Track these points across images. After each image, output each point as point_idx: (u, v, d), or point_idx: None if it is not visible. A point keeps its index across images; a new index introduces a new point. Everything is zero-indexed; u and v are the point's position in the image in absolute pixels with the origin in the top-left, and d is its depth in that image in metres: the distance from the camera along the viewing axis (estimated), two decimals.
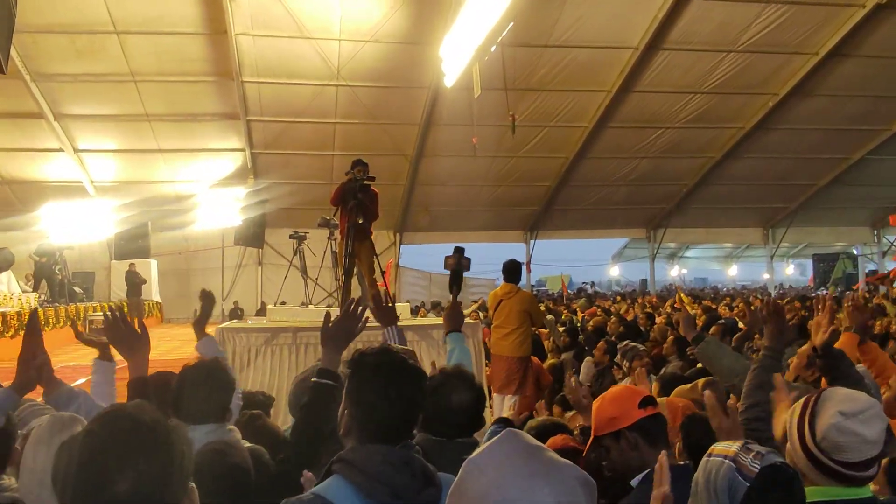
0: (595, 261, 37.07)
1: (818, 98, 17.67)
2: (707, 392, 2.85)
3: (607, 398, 3.09)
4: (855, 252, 30.79)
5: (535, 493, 1.48)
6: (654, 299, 20.26)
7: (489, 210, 22.31)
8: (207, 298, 4.17)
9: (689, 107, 17.72)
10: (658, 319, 13.48)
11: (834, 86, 17.17)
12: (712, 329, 9.92)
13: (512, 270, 9.04)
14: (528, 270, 24.68)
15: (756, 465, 2.19)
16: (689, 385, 4.10)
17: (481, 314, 12.12)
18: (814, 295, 25.06)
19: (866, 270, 28.21)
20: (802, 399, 2.49)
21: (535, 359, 9.27)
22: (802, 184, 22.85)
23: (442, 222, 22.45)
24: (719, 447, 2.30)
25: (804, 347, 4.39)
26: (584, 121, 18.04)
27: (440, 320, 9.03)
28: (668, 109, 17.80)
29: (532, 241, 24.31)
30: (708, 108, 17.81)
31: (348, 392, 2.32)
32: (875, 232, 27.16)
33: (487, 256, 18.88)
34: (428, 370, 2.79)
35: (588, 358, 8.74)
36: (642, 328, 11.15)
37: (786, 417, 2.47)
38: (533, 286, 26.50)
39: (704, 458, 2.33)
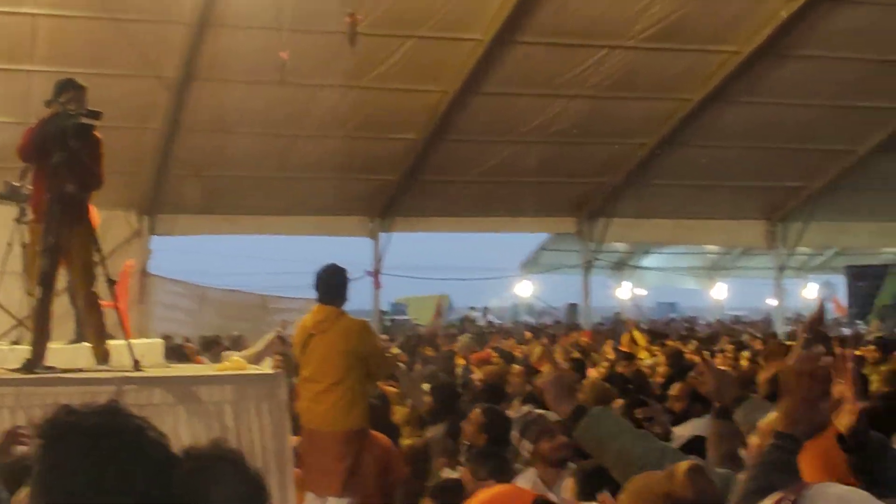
0: (493, 271, 37.41)
1: (863, 7, 18.55)
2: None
3: (485, 501, 3.13)
4: None
5: None
6: (588, 337, 20.73)
7: (310, 179, 22.39)
8: None
9: (652, 13, 18.18)
10: (593, 372, 13.88)
11: None
12: (675, 389, 10.30)
13: (331, 283, 9.19)
14: (377, 285, 24.73)
15: None
16: (659, 473, 4.22)
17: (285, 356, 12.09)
18: (844, 333, 26.44)
19: None
20: (770, 500, 2.60)
21: (377, 435, 9.36)
22: (834, 149, 24.03)
23: (225, 199, 22.32)
24: None
25: (768, 420, 4.58)
26: (475, 30, 18.25)
27: (221, 367, 8.92)
28: (618, 18, 18.23)
29: (385, 235, 24.46)
30: (683, 18, 18.34)
31: (37, 478, 2.31)
32: None
33: (304, 260, 18.66)
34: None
35: None
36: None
37: None
38: (384, 312, 26.46)
39: None
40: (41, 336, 7.87)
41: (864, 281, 31.69)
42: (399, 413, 11.22)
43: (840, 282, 36.99)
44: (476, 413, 8.32)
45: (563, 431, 6.76)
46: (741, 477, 3.52)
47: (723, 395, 5.72)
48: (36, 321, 7.97)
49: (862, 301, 31.22)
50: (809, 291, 39.66)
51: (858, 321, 30.77)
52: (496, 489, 3.39)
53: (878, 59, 20.24)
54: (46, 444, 2.32)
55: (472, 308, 38.27)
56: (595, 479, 4.92)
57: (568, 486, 5.85)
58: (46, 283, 7.94)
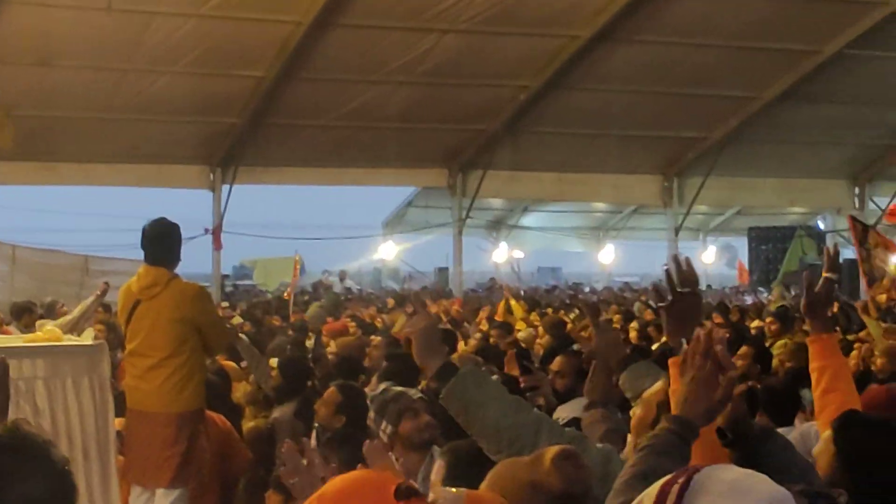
0: (352, 230, 37.27)
1: None
2: None
3: (339, 492, 3.23)
4: (819, 226, 33.41)
5: None
6: (458, 305, 20.90)
7: (141, 122, 22.07)
8: None
9: None
10: (464, 345, 13.97)
11: None
12: (557, 364, 10.45)
13: (162, 242, 9.07)
14: (217, 244, 24.57)
15: None
16: (525, 459, 4.25)
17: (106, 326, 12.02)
18: (748, 302, 26.95)
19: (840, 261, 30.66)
20: (655, 489, 2.69)
21: (215, 417, 9.35)
22: (736, 96, 24.46)
23: (41, 143, 21.86)
24: None
25: (654, 389, 4.77)
26: None
27: (32, 338, 8.73)
28: None
29: (226, 188, 24.30)
30: None
31: None
32: (857, 190, 29.57)
33: (133, 214, 18.39)
34: None
35: None
36: None
37: None
38: (225, 276, 26.16)
39: None
40: None
41: (769, 244, 32.19)
42: (241, 391, 11.17)
43: (742, 245, 37.44)
44: (331, 392, 8.31)
45: (428, 410, 6.79)
46: (628, 459, 3.56)
47: (608, 356, 5.87)
48: None
49: (765, 266, 31.77)
50: (708, 255, 40.30)
51: (761, 288, 31.32)
52: (352, 476, 3.40)
53: None
54: None
55: (327, 272, 37.91)
56: (469, 463, 4.85)
57: (437, 469, 5.78)
58: None
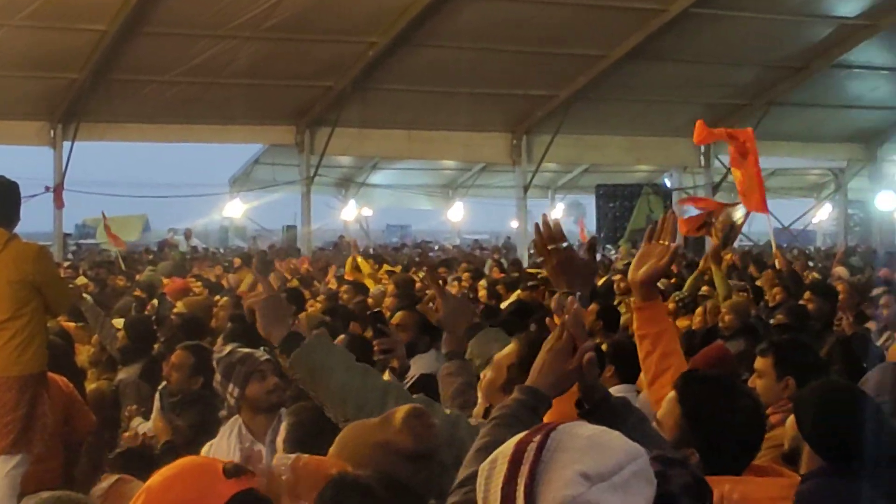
0: (198, 188, 36.98)
1: None
2: None
3: (157, 488, 3.14)
4: (665, 183, 34.00)
5: None
6: (307, 263, 20.85)
7: None
8: None
9: None
10: (312, 305, 13.92)
11: None
12: (398, 318, 10.44)
13: None
14: (59, 203, 24.10)
15: None
16: (374, 421, 4.21)
17: None
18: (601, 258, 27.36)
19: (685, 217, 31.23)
20: (510, 447, 2.66)
21: (58, 379, 9.20)
22: (585, 54, 24.66)
23: None
24: None
25: (505, 352, 4.75)
26: None
27: None
28: None
29: (68, 144, 23.84)
30: None
31: None
32: (702, 149, 29.94)
33: None
34: None
35: None
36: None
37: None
38: (68, 235, 25.78)
39: None
40: None
41: (616, 202, 32.74)
42: (84, 353, 11.00)
43: (590, 202, 38.00)
44: (182, 354, 8.23)
45: (275, 372, 6.77)
46: (478, 418, 3.56)
47: (456, 324, 5.82)
48: None
49: (613, 224, 32.30)
50: (556, 212, 40.81)
51: (609, 246, 31.85)
52: (177, 463, 3.34)
53: None
54: None
55: (173, 230, 37.59)
56: (314, 425, 4.94)
57: (280, 440, 5.81)
58: None
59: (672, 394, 3.93)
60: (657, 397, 4.49)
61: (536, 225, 4.34)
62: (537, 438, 2.61)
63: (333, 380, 4.62)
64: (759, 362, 6.17)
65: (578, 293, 4.02)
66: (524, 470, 2.55)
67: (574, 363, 3.54)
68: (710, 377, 4.06)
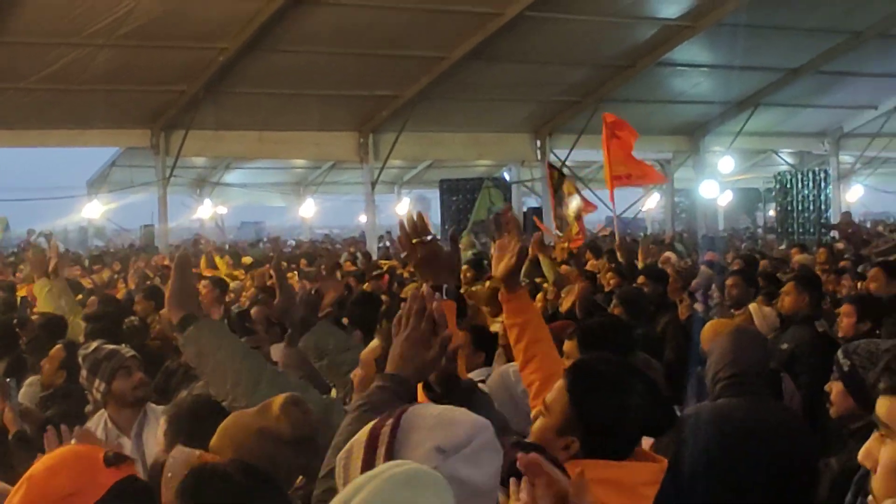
0: (58, 190, 36.38)
1: None
2: None
3: (39, 477, 3.13)
4: (505, 177, 34.28)
5: None
6: (166, 261, 20.63)
7: None
8: None
9: None
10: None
11: None
12: (254, 312, 10.45)
13: None
14: None
15: None
16: (254, 409, 4.24)
17: None
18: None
19: (524, 209, 31.48)
20: (364, 434, 2.74)
21: None
22: (426, 56, 24.73)
23: None
24: None
25: (370, 348, 4.80)
26: None
27: None
28: None
29: None
30: None
31: None
32: (538, 143, 30.45)
33: None
34: None
35: None
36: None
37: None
38: None
39: None
40: None
41: (459, 195, 32.78)
42: None
43: (434, 196, 38.09)
44: (57, 349, 8.27)
45: (140, 368, 6.73)
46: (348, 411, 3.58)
47: (292, 317, 5.88)
48: None
49: (456, 216, 32.36)
50: (402, 207, 40.90)
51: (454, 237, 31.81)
52: (58, 452, 3.31)
53: None
54: None
55: (32, 231, 36.73)
56: (191, 418, 4.83)
57: (161, 426, 5.76)
58: None
59: (561, 381, 3.90)
60: (528, 381, 4.57)
61: (401, 221, 4.38)
62: (390, 422, 2.67)
63: (216, 358, 4.65)
64: (567, 345, 6.26)
65: (445, 285, 4.11)
66: (381, 452, 2.61)
67: (434, 352, 3.54)
68: (601, 370, 4.02)
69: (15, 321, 11.50)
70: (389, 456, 2.60)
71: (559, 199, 20.29)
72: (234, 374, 4.56)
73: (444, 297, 3.97)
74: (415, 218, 4.42)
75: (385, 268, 16.29)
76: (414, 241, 4.31)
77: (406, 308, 3.60)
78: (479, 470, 2.56)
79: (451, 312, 3.95)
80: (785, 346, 8.39)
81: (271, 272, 17.45)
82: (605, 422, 3.74)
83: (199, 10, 20.73)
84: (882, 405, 2.42)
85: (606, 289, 12.66)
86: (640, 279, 12.79)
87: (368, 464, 2.61)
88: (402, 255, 4.36)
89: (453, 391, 3.69)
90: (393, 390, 3.45)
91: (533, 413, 4.16)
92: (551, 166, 22.55)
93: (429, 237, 4.35)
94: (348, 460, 2.69)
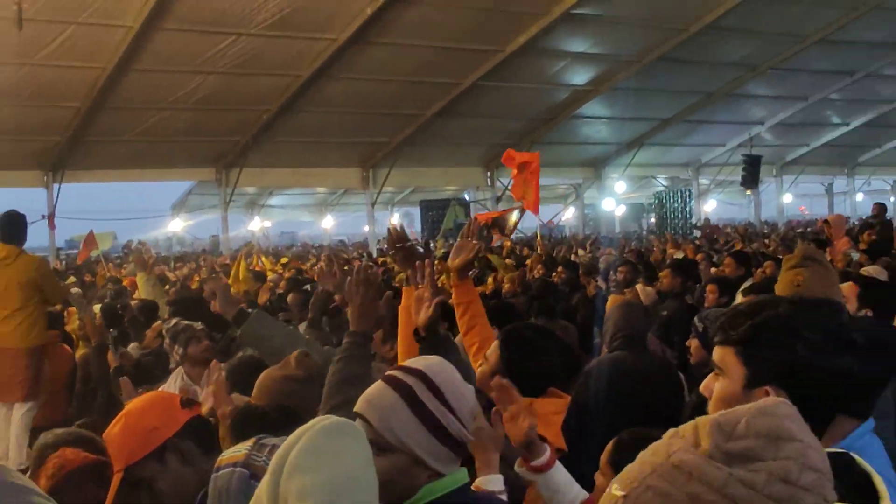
0: (151, 212, 36.32)
1: (427, 6, 19.18)
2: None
3: (134, 412, 3.10)
4: (466, 197, 34.29)
5: None
6: (227, 260, 20.54)
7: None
8: None
9: (270, 6, 18.05)
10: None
11: None
12: (290, 299, 10.38)
13: (10, 226, 8.61)
14: (52, 226, 23.36)
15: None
16: (277, 365, 4.27)
17: None
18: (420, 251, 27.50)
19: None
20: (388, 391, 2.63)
21: (65, 348, 9.00)
22: (408, 113, 24.78)
23: None
24: (226, 455, 2.37)
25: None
26: (126, 18, 17.39)
27: None
28: (243, 10, 17.95)
29: (57, 186, 22.99)
30: (294, 11, 18.33)
31: None
32: (488, 174, 30.45)
33: None
34: None
35: None
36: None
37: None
38: (60, 249, 25.08)
39: (214, 474, 2.37)
40: None
41: (433, 211, 32.69)
42: (72, 325, 10.76)
43: (416, 212, 38.05)
44: (158, 324, 8.39)
45: (207, 337, 6.74)
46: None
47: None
48: None
49: (432, 227, 32.32)
50: (395, 219, 40.87)
51: (431, 241, 31.92)
52: (146, 396, 3.30)
53: (438, 47, 20.93)
54: None
55: (132, 241, 36.62)
56: (240, 375, 4.82)
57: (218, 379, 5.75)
58: None
59: (496, 342, 3.99)
60: (469, 343, 4.55)
61: (388, 230, 4.47)
62: (411, 379, 2.51)
63: (273, 342, 4.62)
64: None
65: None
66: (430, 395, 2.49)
67: (381, 310, 3.76)
68: (525, 334, 4.08)
69: (119, 305, 11.46)
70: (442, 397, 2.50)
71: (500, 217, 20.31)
72: (282, 351, 4.43)
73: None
74: (398, 229, 4.46)
75: (380, 262, 16.19)
76: (397, 245, 4.34)
77: (352, 281, 3.58)
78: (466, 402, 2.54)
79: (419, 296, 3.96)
80: (664, 313, 8.41)
81: (302, 266, 17.42)
82: (525, 368, 3.80)
83: (248, 85, 20.84)
84: (716, 353, 2.42)
85: (535, 277, 12.56)
86: (559, 269, 12.84)
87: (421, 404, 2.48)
88: (390, 254, 4.39)
89: (435, 338, 3.66)
90: (358, 343, 3.47)
91: (476, 365, 4.20)
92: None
93: (407, 243, 4.37)
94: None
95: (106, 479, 3.03)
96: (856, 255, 10.42)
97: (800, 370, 2.27)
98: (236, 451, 2.38)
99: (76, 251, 34.51)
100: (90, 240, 20.27)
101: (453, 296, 4.80)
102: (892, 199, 40.17)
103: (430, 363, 2.54)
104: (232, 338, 8.69)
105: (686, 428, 1.59)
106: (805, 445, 1.55)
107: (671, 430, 1.61)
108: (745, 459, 1.52)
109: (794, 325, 2.28)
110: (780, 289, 4.60)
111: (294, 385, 3.81)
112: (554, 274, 12.54)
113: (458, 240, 4.76)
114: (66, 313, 10.34)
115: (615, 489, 1.58)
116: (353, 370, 3.35)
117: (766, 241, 20.07)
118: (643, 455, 1.61)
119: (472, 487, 2.62)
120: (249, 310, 5.11)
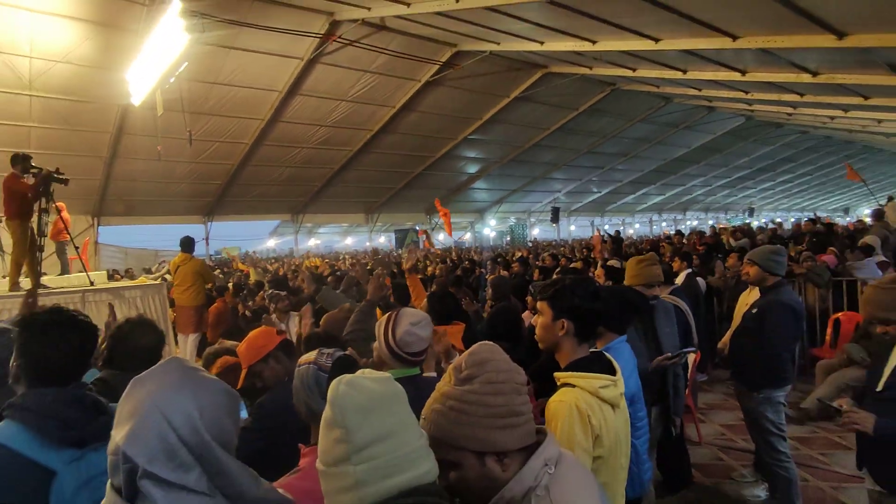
0: (258, 236, 35.44)
1: (397, 136, 18.95)
2: None
3: (250, 338, 2.95)
4: (416, 228, 34.07)
5: (180, 398, 1.43)
6: (297, 262, 20.13)
7: (174, 200, 19.64)
8: None
9: (318, 134, 17.77)
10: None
11: (412, 120, 18.63)
12: (329, 280, 9.93)
13: (186, 244, 8.38)
14: (207, 244, 22.33)
15: (330, 362, 2.12)
16: (334, 311, 4.02)
17: (168, 277, 10.85)
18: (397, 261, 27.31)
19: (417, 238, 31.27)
20: (384, 317, 2.55)
21: (219, 303, 8.64)
22: (389, 187, 24.34)
23: (136, 209, 19.19)
24: (303, 358, 2.21)
25: (424, 304, 4.59)
26: (245, 138, 16.92)
27: (132, 283, 7.85)
28: (303, 134, 17.62)
29: (209, 223, 22.07)
30: (328, 138, 17.98)
31: (20, 346, 1.90)
32: (429, 216, 30.07)
33: (173, 235, 16.80)
34: None
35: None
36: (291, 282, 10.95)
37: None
38: (211, 255, 24.34)
39: (297, 368, 2.17)
40: (36, 273, 6.49)
41: (401, 234, 31.82)
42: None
43: (392, 235, 37.36)
44: (262, 293, 8.09)
45: (286, 299, 6.34)
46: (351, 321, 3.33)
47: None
48: (33, 268, 6.53)
49: (400, 242, 31.79)
50: (382, 239, 40.29)
51: (398, 250, 31.60)
52: (260, 329, 3.20)
53: (403, 154, 20.29)
54: (21, 328, 1.88)
55: (247, 252, 35.46)
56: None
57: (299, 318, 5.35)
58: (34, 251, 6.45)
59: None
60: (415, 297, 4.31)
61: (373, 250, 4.25)
62: (395, 313, 2.46)
63: (332, 299, 4.38)
64: (539, 304, 5.66)
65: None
66: (391, 323, 2.42)
67: (384, 291, 3.58)
68: (451, 299, 3.81)
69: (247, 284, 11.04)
70: (395, 324, 2.39)
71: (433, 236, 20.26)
72: (334, 304, 4.24)
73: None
74: (378, 252, 4.31)
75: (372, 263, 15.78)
76: (376, 256, 4.24)
77: (372, 279, 3.47)
78: (424, 331, 2.42)
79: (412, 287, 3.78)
80: (514, 283, 8.29)
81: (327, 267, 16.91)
82: (442, 311, 3.59)
83: (318, 154, 18.95)
84: (539, 304, 2.48)
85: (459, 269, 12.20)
86: (466, 263, 12.60)
87: (387, 327, 2.40)
88: (377, 258, 4.04)
89: (446, 300, 3.58)
90: (370, 304, 3.30)
91: (419, 305, 3.90)
92: (426, 231, 22.47)
93: (382, 256, 4.27)
94: (380, 326, 2.47)
95: (239, 371, 2.98)
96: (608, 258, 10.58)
97: (576, 309, 2.29)
98: (309, 356, 2.28)
99: (221, 256, 33.56)
100: (229, 252, 19.85)
101: (408, 282, 4.53)
102: (619, 227, 41.02)
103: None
104: (304, 299, 8.43)
105: (446, 374, 1.59)
106: (497, 362, 1.53)
107: (445, 375, 1.58)
108: (468, 379, 1.52)
109: (573, 288, 2.32)
110: (630, 275, 3.97)
111: (341, 321, 3.67)
112: (460, 267, 12.38)
113: (407, 252, 4.67)
114: (213, 290, 9.94)
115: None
116: (365, 317, 3.25)
117: (562, 248, 20.38)
118: (434, 392, 1.56)
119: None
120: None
